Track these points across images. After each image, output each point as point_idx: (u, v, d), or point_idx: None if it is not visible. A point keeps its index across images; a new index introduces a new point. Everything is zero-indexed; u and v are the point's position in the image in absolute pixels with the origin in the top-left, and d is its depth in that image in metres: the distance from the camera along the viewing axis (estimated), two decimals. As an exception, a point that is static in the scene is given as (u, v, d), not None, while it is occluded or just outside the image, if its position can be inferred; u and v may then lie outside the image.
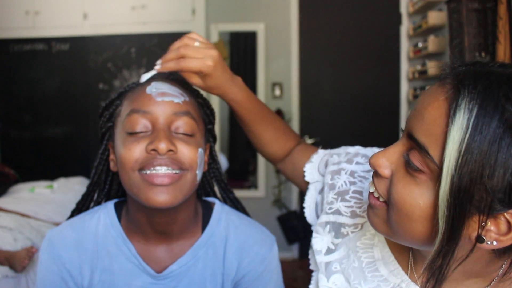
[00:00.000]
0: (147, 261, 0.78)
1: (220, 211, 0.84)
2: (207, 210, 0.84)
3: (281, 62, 3.41)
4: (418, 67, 2.82)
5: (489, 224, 0.45)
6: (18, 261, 1.96)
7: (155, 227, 0.77)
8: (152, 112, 0.71)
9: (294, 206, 3.42)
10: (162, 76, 0.77)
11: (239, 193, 3.85)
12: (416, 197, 0.48)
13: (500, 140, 0.42)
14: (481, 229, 0.44)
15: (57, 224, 2.42)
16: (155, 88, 0.73)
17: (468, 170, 0.43)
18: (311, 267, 0.74)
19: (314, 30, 3.36)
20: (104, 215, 0.80)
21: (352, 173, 0.72)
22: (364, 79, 3.33)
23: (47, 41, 3.47)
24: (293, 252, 3.45)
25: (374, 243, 0.63)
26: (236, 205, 0.91)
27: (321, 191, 0.78)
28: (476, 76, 0.45)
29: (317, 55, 3.37)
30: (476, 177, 0.42)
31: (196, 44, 0.71)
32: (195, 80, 0.73)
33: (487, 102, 0.43)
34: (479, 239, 0.45)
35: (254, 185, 3.52)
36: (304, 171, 0.81)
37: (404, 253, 0.60)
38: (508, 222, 0.44)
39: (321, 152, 0.82)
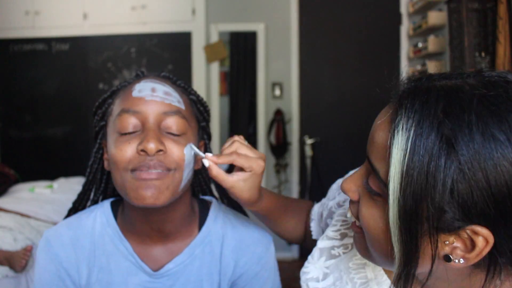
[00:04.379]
0: (143, 260, 0.78)
1: (217, 210, 0.85)
2: (204, 209, 0.84)
3: (281, 62, 3.41)
4: (418, 67, 2.82)
5: (454, 241, 0.44)
6: (17, 262, 1.96)
7: (151, 225, 0.77)
8: (142, 111, 0.70)
9: (294, 206, 3.42)
10: (153, 75, 0.78)
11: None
12: (378, 220, 0.48)
13: (437, 158, 0.41)
14: (435, 248, 0.44)
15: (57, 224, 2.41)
16: (145, 87, 0.73)
17: (411, 192, 0.42)
18: None
19: (314, 30, 3.36)
20: (101, 214, 0.81)
21: (338, 204, 0.74)
22: (364, 79, 3.33)
23: (47, 41, 3.47)
24: (293, 252, 3.45)
25: (366, 262, 0.62)
26: (233, 204, 0.91)
27: None
28: (414, 94, 0.44)
29: (317, 55, 3.37)
30: (419, 198, 0.42)
31: (246, 143, 0.72)
32: (232, 180, 0.69)
33: (424, 120, 0.42)
34: (446, 257, 0.44)
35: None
36: (311, 231, 0.83)
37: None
38: (471, 238, 0.43)
39: (316, 206, 0.84)
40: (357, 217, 0.53)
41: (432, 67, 2.59)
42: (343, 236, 0.68)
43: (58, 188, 2.93)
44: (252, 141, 3.65)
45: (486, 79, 0.44)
